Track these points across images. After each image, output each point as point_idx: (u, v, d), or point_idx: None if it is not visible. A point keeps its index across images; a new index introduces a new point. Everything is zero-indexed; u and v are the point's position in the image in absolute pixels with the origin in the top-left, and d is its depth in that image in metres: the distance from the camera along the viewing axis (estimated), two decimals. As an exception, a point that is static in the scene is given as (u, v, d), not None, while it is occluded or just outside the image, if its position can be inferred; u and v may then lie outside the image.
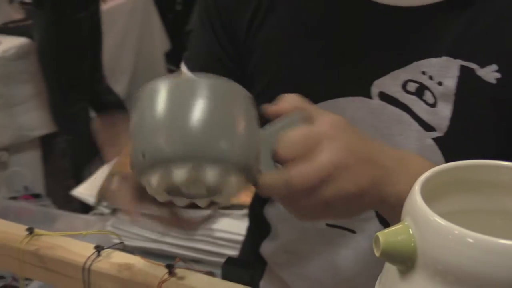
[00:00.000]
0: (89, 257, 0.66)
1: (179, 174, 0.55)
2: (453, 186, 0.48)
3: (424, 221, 0.42)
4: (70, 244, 0.69)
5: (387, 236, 0.43)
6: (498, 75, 0.73)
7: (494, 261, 0.40)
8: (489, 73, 0.73)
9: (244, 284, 0.63)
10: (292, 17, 0.81)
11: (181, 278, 0.63)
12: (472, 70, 0.73)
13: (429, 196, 0.45)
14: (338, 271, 0.86)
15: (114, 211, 1.68)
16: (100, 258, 0.67)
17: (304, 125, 0.62)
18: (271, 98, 0.64)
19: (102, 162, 2.01)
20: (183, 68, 0.91)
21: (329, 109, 0.78)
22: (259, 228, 0.95)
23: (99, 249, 0.67)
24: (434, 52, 0.75)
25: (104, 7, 3.01)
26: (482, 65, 0.73)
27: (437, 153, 0.76)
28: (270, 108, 0.63)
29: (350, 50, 0.79)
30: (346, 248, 0.85)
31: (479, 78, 0.73)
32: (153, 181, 0.57)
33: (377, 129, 0.77)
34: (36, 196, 2.61)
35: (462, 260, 0.41)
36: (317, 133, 0.60)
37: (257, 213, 0.94)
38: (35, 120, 2.69)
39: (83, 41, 2.66)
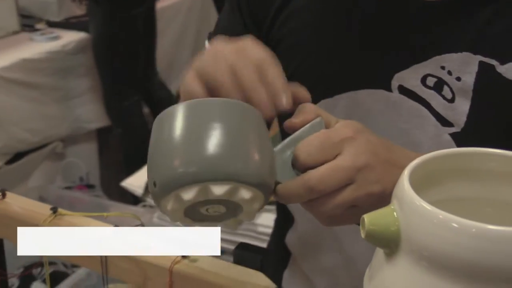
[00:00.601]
0: (107, 237, 0.68)
1: (189, 196, 0.55)
2: (443, 174, 0.48)
3: (409, 205, 0.43)
4: (90, 224, 0.71)
5: (372, 218, 0.43)
6: None
7: (480, 247, 0.40)
8: (510, 70, 0.72)
9: (254, 269, 0.64)
10: (317, 9, 0.82)
11: (193, 260, 0.65)
12: (492, 66, 0.73)
13: (420, 183, 0.45)
14: (353, 266, 0.86)
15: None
16: (117, 238, 0.68)
17: (322, 130, 0.61)
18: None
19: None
20: (207, 45, 0.92)
21: (348, 101, 0.79)
22: (284, 218, 0.96)
23: (117, 230, 0.69)
24: (454, 47, 0.74)
25: (162, 4, 3.06)
26: (503, 61, 0.72)
27: None
28: (290, 122, 0.62)
29: (373, 43, 0.79)
30: (361, 243, 0.84)
31: (499, 75, 0.72)
32: (169, 207, 0.57)
33: (394, 123, 0.77)
34: (90, 186, 2.68)
35: (446, 245, 0.41)
36: (336, 137, 0.59)
37: (282, 204, 0.95)
38: (91, 113, 2.75)
39: (137, 37, 2.70)
